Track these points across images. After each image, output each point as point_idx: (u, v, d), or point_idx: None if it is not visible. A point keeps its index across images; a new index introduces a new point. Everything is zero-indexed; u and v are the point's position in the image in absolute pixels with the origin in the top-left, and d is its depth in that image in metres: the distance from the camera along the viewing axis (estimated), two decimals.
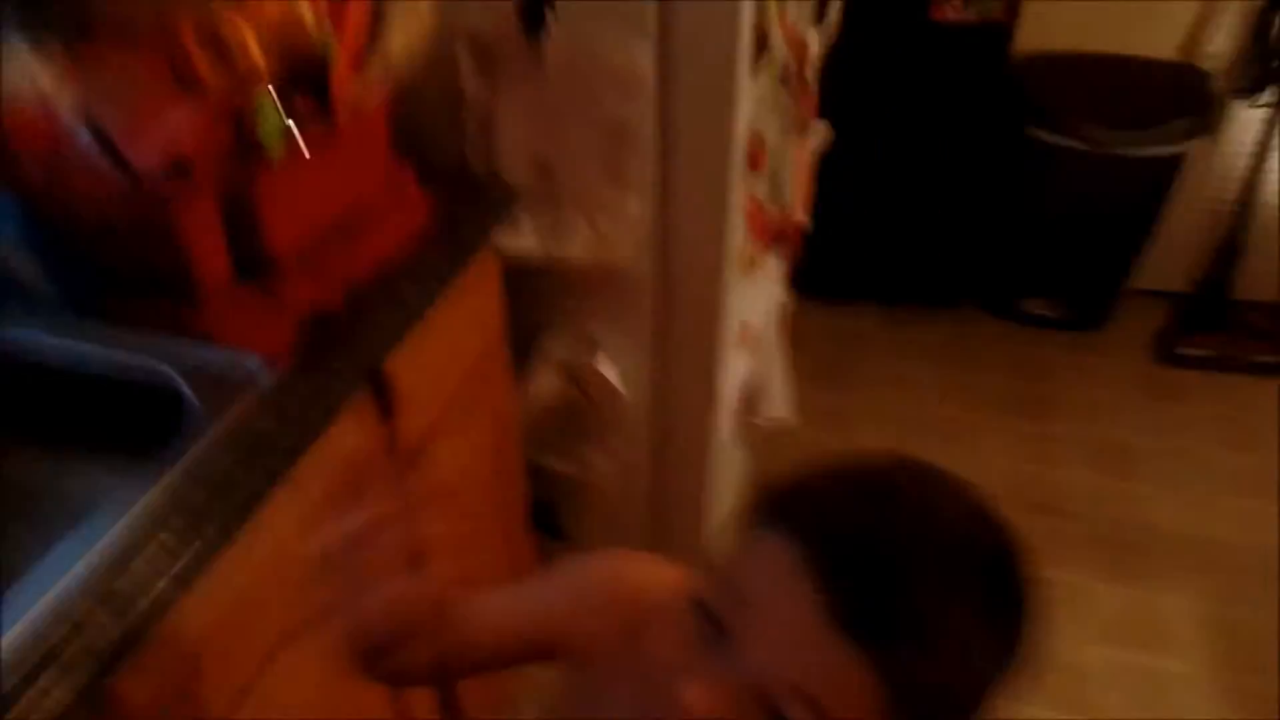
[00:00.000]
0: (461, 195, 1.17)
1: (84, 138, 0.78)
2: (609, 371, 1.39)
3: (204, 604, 0.73)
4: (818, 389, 2.35)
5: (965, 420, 2.27)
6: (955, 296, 2.65)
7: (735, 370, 1.53)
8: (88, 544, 0.68)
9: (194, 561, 0.71)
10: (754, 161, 1.32)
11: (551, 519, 1.63)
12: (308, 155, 0.89)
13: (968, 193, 2.48)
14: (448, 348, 1.12)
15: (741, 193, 1.30)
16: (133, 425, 0.84)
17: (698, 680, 0.46)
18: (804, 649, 0.44)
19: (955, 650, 0.44)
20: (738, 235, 1.33)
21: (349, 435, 0.91)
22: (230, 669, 0.80)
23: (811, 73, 1.43)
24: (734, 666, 0.45)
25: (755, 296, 1.60)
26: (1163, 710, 1.61)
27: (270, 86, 0.84)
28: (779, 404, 1.71)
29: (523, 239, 1.28)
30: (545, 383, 1.40)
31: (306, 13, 0.86)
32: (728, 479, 1.77)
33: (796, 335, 2.42)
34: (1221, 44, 2.26)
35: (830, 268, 2.58)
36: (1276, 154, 2.24)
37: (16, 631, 0.62)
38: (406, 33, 0.94)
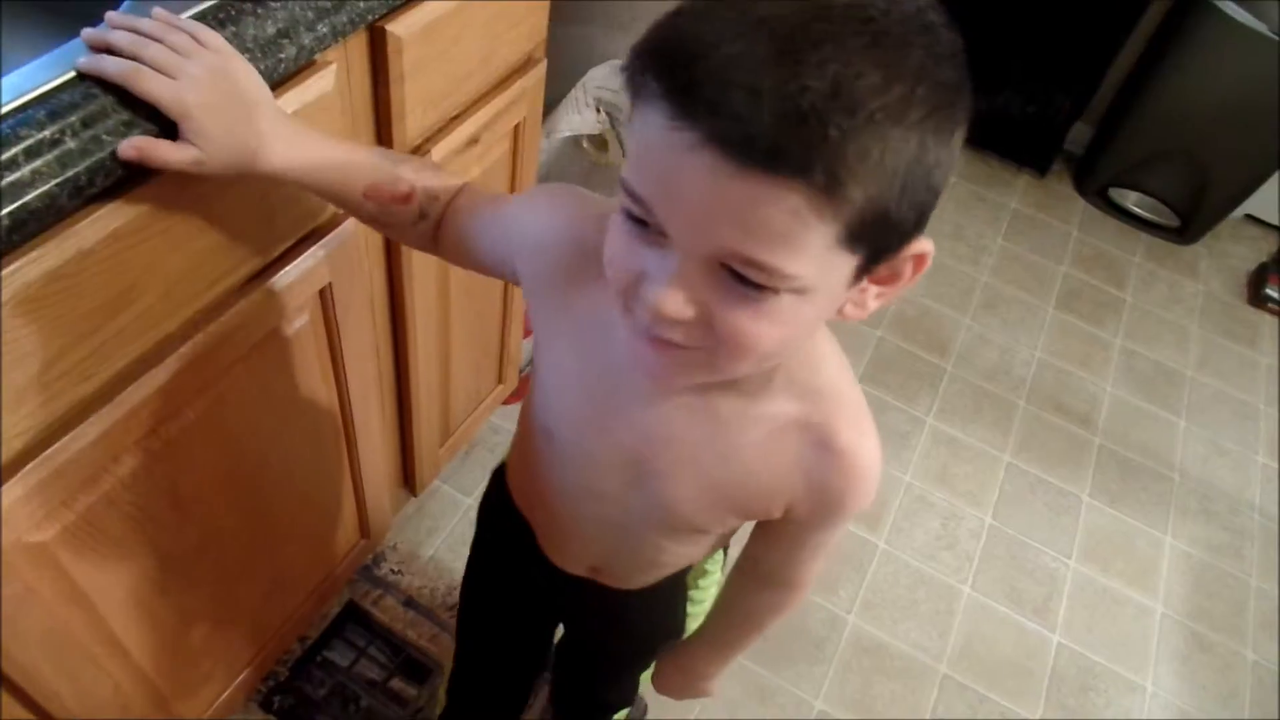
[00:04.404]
0: None
1: None
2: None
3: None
4: None
5: (1017, 299, 2.08)
6: (1048, 161, 2.38)
7: None
8: None
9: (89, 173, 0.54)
10: None
11: None
12: None
13: (1102, 45, 2.14)
14: (478, 42, 0.90)
15: None
16: None
17: (651, 281, 0.45)
18: (708, 204, 0.41)
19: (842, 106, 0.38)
20: None
21: (325, 96, 0.72)
22: None
23: None
24: (674, 254, 0.44)
25: None
26: (1119, 638, 1.55)
27: None
28: None
29: None
30: (577, 117, 1.19)
31: None
32: None
33: None
34: None
35: None
36: None
37: None
38: None
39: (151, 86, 0.54)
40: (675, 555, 0.74)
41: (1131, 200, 2.33)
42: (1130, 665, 1.53)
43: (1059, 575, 1.62)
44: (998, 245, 2.20)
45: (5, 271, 0.53)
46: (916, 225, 0.44)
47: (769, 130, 0.37)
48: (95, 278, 0.59)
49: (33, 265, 0.55)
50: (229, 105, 0.57)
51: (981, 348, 1.96)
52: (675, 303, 0.44)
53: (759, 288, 0.42)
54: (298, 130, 0.61)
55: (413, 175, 0.66)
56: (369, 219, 0.68)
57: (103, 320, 0.62)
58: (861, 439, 0.59)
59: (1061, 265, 2.19)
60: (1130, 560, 1.66)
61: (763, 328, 0.44)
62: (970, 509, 1.68)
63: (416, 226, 0.67)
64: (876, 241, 0.43)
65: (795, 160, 0.38)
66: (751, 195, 0.39)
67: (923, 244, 0.46)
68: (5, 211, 0.50)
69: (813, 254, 0.41)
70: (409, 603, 1.39)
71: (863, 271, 0.45)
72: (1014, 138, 2.36)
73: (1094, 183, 2.36)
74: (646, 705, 1.34)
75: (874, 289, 0.48)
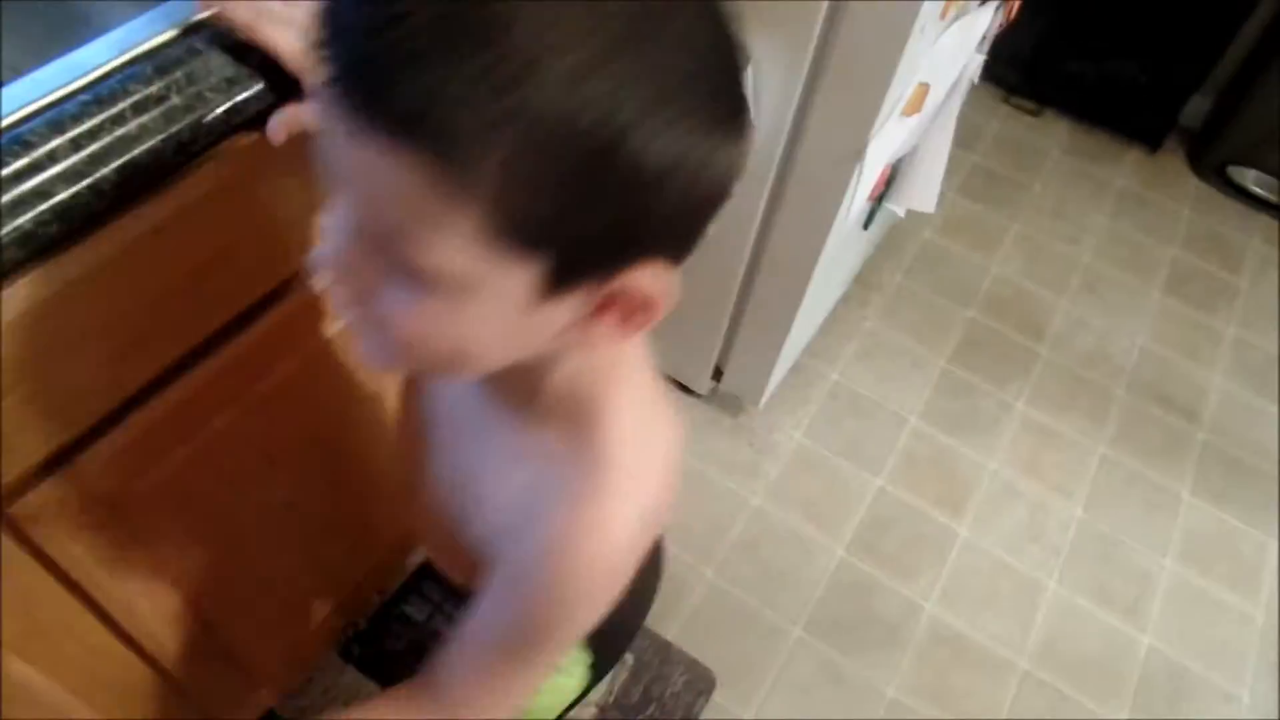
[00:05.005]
0: None
1: None
2: (753, 96, 1.13)
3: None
4: (970, 195, 2.06)
5: (1120, 281, 1.97)
6: (1160, 136, 2.23)
7: (891, 140, 1.26)
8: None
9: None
10: None
11: None
12: None
13: (1229, 10, 1.99)
14: None
15: None
16: None
17: (321, 239, 0.39)
18: (336, 159, 0.34)
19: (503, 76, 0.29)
20: None
21: None
22: None
23: None
24: (341, 216, 0.38)
25: (946, 54, 1.28)
26: (1215, 645, 1.47)
27: None
28: (921, 194, 1.44)
29: None
30: None
31: None
32: (841, 263, 1.55)
33: (968, 129, 2.11)
34: None
35: (1033, 56, 2.19)
36: None
37: None
38: None
39: (271, 35, 0.54)
40: None
41: (1251, 179, 2.18)
42: (1226, 673, 1.45)
43: (1153, 575, 1.54)
44: (1102, 224, 2.08)
45: (110, 226, 0.54)
46: (628, 245, 0.36)
47: (363, 75, 0.31)
48: (195, 235, 0.59)
49: (136, 221, 0.55)
50: None
51: (1080, 332, 1.87)
52: (324, 264, 0.39)
53: (405, 273, 0.35)
54: None
55: None
56: None
57: (201, 277, 0.62)
58: (591, 531, 0.45)
59: (1171, 247, 2.07)
60: (1232, 563, 1.57)
61: (408, 321, 0.37)
62: (1060, 500, 1.61)
63: None
64: (558, 250, 0.34)
65: (393, 114, 0.31)
66: (365, 153, 0.32)
67: (647, 280, 0.37)
68: (113, 166, 0.50)
69: (450, 242, 0.33)
70: None
71: (556, 287, 0.36)
72: (1124, 109, 2.22)
73: (1211, 159, 2.21)
74: (715, 679, 1.34)
75: (607, 322, 0.40)
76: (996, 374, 1.77)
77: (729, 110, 0.35)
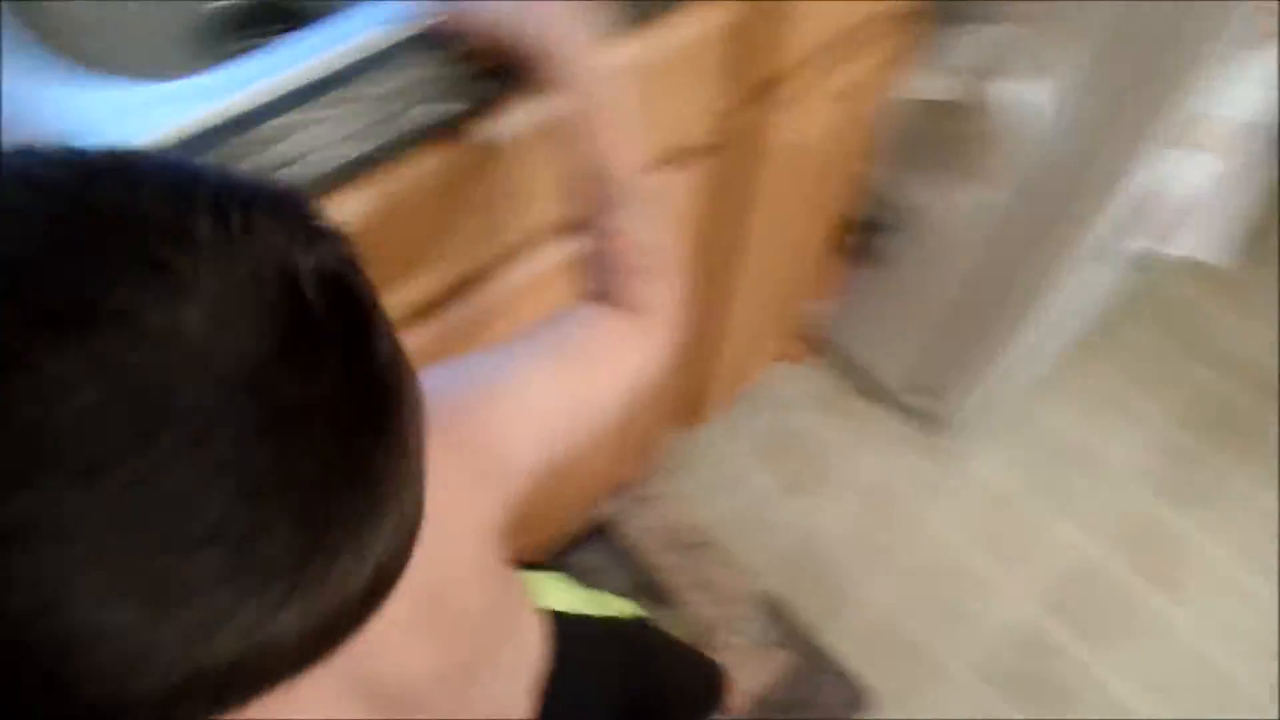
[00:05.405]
0: None
1: None
2: (1018, 101, 1.07)
3: None
4: (1249, 254, 1.85)
5: None
6: None
7: (1171, 170, 1.15)
8: None
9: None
10: None
11: (870, 242, 1.39)
12: None
13: None
14: None
15: None
16: None
17: None
18: None
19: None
20: None
21: (698, 25, 0.73)
22: None
23: None
24: None
25: (1250, 88, 1.16)
26: None
27: None
28: (1206, 242, 1.31)
29: None
30: (937, 83, 1.11)
31: None
32: (1080, 298, 1.44)
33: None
34: None
35: None
36: None
37: None
38: None
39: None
40: None
41: None
42: None
43: None
44: None
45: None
46: None
47: None
48: (398, 228, 0.62)
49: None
50: None
51: None
52: None
53: None
54: (609, 67, 0.53)
55: (635, 233, 0.55)
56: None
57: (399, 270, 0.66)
58: None
59: None
60: None
61: None
62: None
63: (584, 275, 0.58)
64: None
65: None
66: None
67: None
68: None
69: None
70: (655, 530, 1.43)
71: None
72: None
73: None
74: (871, 698, 1.30)
75: None
76: (1235, 449, 1.59)
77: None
